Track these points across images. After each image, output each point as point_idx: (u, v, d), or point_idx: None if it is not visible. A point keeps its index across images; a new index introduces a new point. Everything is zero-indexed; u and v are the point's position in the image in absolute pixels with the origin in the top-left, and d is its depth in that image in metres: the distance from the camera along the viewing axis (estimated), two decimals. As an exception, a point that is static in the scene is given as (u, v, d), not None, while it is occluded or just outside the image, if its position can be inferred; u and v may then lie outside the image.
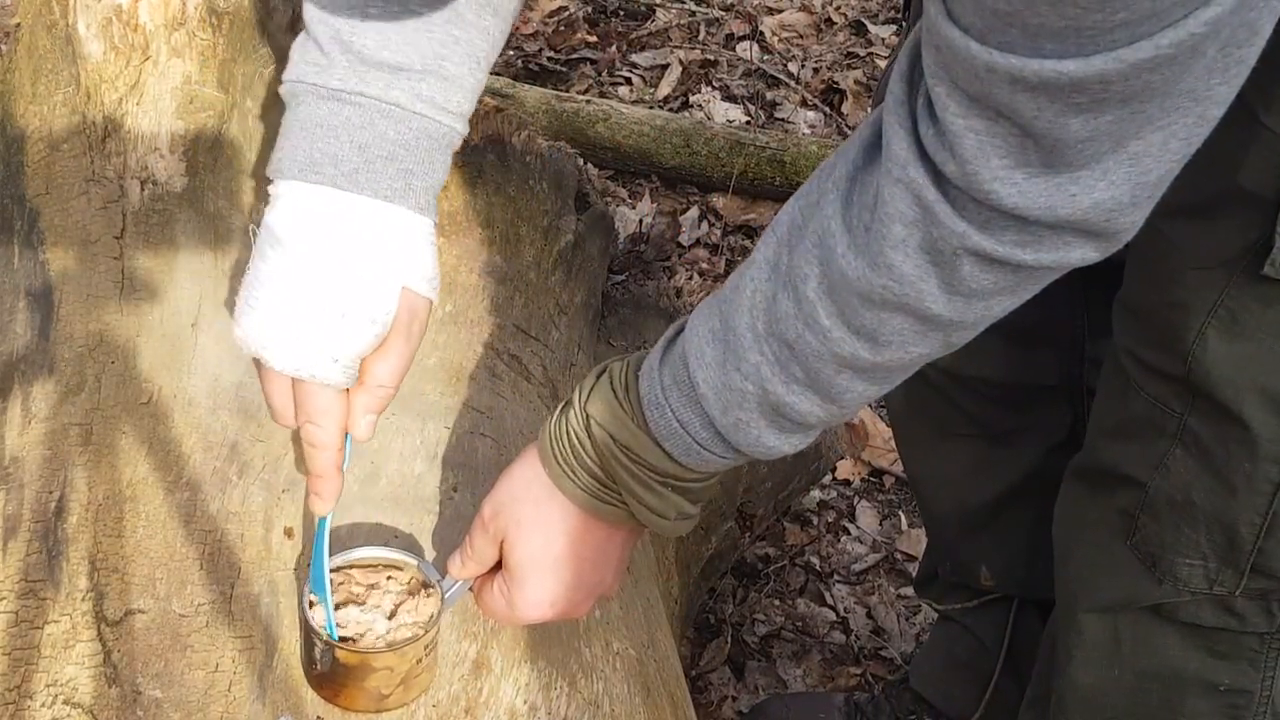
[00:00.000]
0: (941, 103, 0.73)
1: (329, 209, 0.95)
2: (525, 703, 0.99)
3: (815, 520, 2.13)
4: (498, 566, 0.99)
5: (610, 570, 0.99)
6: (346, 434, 0.99)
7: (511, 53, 3.01)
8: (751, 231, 2.65)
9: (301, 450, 1.01)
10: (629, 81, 3.02)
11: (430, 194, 0.99)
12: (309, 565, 1.01)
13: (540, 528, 0.96)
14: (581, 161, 1.53)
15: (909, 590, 2.02)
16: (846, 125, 2.90)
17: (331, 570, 0.98)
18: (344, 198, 0.95)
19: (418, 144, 0.97)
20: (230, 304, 1.21)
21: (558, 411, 0.96)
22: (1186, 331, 1.09)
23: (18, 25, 1.38)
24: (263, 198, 0.99)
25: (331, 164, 0.95)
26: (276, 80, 1.06)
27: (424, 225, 0.99)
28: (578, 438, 0.94)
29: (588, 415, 0.93)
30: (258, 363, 0.99)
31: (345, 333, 0.95)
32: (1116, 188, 0.73)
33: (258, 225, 0.98)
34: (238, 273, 1.25)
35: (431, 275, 0.99)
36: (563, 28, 3.15)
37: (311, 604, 0.96)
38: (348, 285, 0.95)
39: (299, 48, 0.99)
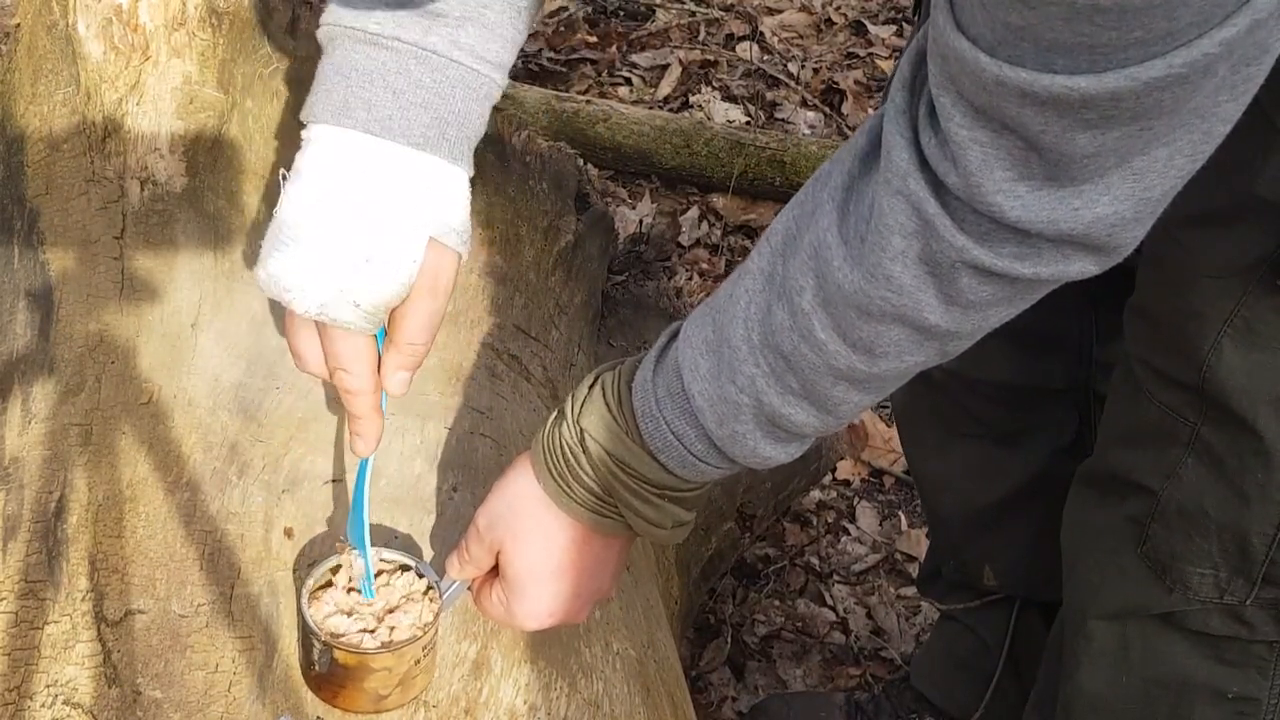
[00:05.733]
0: (946, 113, 0.72)
1: (359, 154, 0.93)
2: (525, 703, 0.99)
3: (815, 520, 2.13)
4: (497, 567, 0.99)
5: (608, 577, 0.99)
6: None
7: (512, 53, 3.01)
8: (751, 232, 2.65)
9: (333, 393, 0.98)
10: (629, 82, 3.02)
11: (466, 145, 0.96)
12: (305, 564, 1.01)
13: (537, 540, 0.95)
14: (581, 162, 1.53)
15: (909, 590, 2.02)
16: (846, 125, 2.90)
17: (332, 571, 0.98)
18: (375, 143, 0.93)
19: (453, 93, 0.94)
20: (229, 303, 1.21)
21: (550, 422, 0.95)
22: (1201, 340, 1.09)
23: (18, 25, 1.37)
24: (296, 142, 0.96)
25: (364, 109, 0.92)
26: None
27: (457, 176, 0.96)
28: (572, 453, 0.93)
29: (582, 430, 0.92)
30: (274, 305, 0.94)
31: (368, 279, 0.92)
32: (1120, 203, 0.72)
33: (288, 170, 0.95)
34: (238, 272, 1.25)
35: (461, 228, 0.96)
36: (562, 28, 3.15)
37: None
38: (373, 231, 0.92)
39: None
